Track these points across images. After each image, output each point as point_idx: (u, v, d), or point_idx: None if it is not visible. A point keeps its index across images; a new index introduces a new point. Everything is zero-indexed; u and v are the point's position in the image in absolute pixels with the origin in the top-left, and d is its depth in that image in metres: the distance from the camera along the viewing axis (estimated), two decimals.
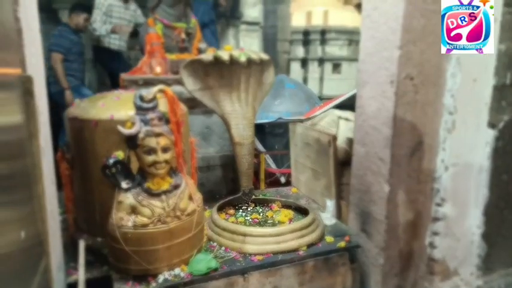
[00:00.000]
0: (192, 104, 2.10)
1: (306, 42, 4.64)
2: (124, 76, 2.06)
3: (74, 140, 1.51)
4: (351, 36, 4.60)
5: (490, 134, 1.64)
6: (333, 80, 4.59)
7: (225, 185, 2.25)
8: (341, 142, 1.87)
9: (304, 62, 4.69)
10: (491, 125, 1.65)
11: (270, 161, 2.42)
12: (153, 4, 2.19)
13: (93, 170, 1.40)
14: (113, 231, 1.33)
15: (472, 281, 1.75)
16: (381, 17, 1.50)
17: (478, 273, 1.76)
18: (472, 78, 1.55)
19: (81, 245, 1.32)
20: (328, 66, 4.58)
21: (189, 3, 2.33)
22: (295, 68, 4.86)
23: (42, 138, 1.11)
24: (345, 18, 4.65)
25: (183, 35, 2.24)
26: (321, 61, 4.49)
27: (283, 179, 2.42)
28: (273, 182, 2.44)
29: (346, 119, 1.90)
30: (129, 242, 1.32)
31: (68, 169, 1.52)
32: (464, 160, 1.62)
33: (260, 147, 2.44)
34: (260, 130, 2.59)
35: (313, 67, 4.56)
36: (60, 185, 1.56)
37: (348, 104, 2.07)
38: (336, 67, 4.66)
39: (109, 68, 3.91)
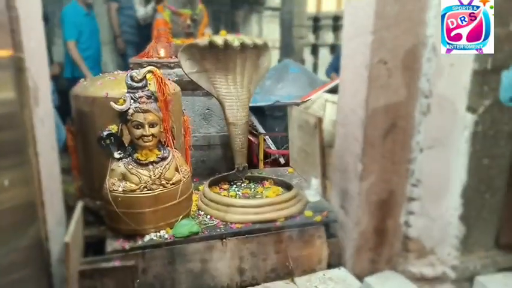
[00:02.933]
0: (194, 86, 2.24)
1: (317, 28, 4.68)
2: (131, 59, 2.24)
3: (76, 115, 1.72)
4: None
5: (469, 119, 1.67)
6: None
7: (225, 163, 2.40)
8: (327, 124, 1.96)
9: (314, 48, 4.74)
10: (471, 109, 1.68)
11: (270, 142, 2.55)
12: None
13: (92, 141, 1.59)
14: (106, 195, 1.52)
15: (449, 261, 1.80)
16: (359, 3, 1.57)
17: (455, 253, 1.81)
18: (449, 63, 1.59)
19: (79, 205, 1.52)
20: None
21: None
22: (324, 52, 4.91)
23: (41, 109, 1.30)
24: None
25: (189, 21, 2.39)
26: (333, 47, 4.50)
27: (282, 160, 2.54)
28: (273, 162, 2.57)
29: (333, 102, 1.98)
30: (119, 204, 1.50)
31: (72, 140, 1.73)
32: (441, 143, 1.67)
33: (260, 128, 2.56)
34: (261, 112, 2.72)
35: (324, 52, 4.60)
36: None
37: None
38: None
39: None
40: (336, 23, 4.40)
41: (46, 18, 3.35)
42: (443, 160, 1.69)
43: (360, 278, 1.73)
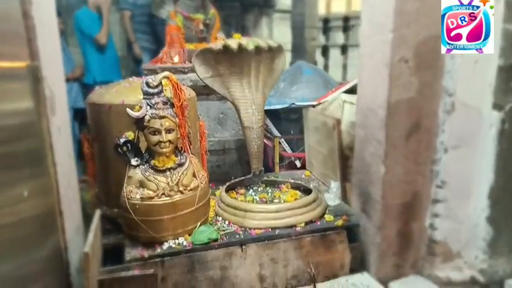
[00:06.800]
0: (209, 91, 2.22)
1: (327, 30, 4.65)
2: (144, 66, 2.23)
3: (93, 122, 1.71)
4: None
5: (496, 116, 1.61)
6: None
7: (240, 167, 2.37)
8: (346, 126, 1.91)
9: (325, 49, 4.72)
10: (498, 106, 1.61)
11: (285, 145, 2.51)
12: None
13: (109, 148, 1.58)
14: (124, 202, 1.50)
15: (476, 264, 1.73)
16: (376, 1, 1.53)
17: (483, 257, 1.74)
18: (473, 60, 1.53)
19: (97, 213, 1.50)
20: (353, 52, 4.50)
21: None
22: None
23: (58, 118, 1.29)
24: None
25: (201, 26, 2.38)
26: (344, 48, 4.46)
27: (298, 163, 2.50)
28: (289, 165, 2.53)
29: (351, 103, 1.93)
30: (137, 212, 1.48)
31: (89, 148, 1.72)
32: (466, 142, 1.61)
33: (275, 131, 2.53)
34: (275, 115, 2.68)
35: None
36: None
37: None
38: None
39: None
40: (346, 23, 4.36)
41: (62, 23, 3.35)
42: (469, 160, 1.63)
43: (384, 283, 1.67)
